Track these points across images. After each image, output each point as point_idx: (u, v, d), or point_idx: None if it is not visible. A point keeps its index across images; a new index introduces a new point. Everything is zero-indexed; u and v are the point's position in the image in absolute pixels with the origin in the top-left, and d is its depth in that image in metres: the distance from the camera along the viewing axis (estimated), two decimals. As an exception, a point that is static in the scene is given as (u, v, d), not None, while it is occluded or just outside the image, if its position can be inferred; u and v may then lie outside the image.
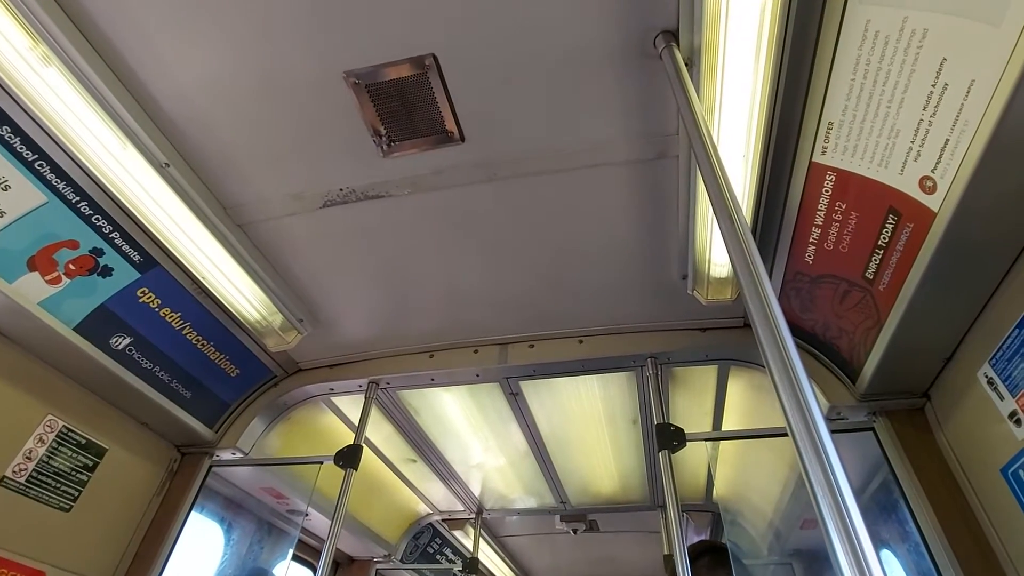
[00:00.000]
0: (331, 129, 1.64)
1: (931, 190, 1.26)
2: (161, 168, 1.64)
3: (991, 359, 1.46)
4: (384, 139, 1.63)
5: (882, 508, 1.95)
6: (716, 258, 1.82)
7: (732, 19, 1.26)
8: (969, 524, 1.61)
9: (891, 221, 1.41)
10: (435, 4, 1.34)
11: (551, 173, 1.74)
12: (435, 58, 1.44)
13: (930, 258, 1.32)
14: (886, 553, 1.97)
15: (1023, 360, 1.35)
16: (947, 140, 1.17)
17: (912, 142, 1.25)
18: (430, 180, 1.77)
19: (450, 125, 1.60)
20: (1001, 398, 1.44)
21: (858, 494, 0.62)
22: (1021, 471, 1.40)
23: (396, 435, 3.02)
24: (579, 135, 1.63)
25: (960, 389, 1.62)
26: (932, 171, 1.23)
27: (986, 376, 1.49)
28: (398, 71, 1.47)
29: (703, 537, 3.90)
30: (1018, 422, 1.39)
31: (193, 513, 2.39)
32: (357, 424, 2.52)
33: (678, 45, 1.31)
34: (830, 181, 1.51)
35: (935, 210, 1.26)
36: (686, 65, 1.30)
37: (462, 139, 1.63)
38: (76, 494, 1.99)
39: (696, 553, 1.84)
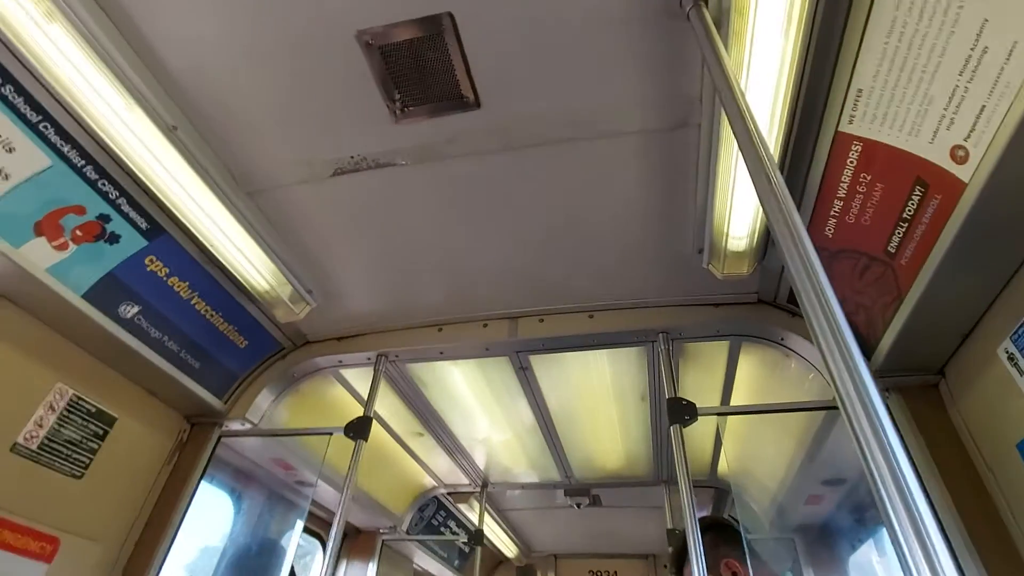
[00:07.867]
0: (342, 93, 1.59)
1: (962, 160, 1.22)
2: (169, 131, 1.60)
3: (1013, 335, 1.44)
4: (398, 104, 1.59)
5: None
6: (735, 231, 1.79)
7: (764, -22, 1.21)
8: (981, 497, 1.61)
9: (918, 192, 1.37)
10: (453, -40, 1.30)
11: (567, 142, 1.70)
12: (452, 17, 1.39)
13: (957, 231, 1.29)
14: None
15: (1047, 335, 1.33)
16: (983, 107, 1.13)
17: (946, 109, 1.21)
18: (443, 148, 1.73)
19: (465, 89, 1.55)
20: (1021, 373, 1.43)
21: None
22: (1039, 446, 1.40)
23: (403, 408, 3.02)
24: (599, 100, 1.58)
25: (978, 365, 1.60)
26: (965, 140, 1.20)
27: (1007, 352, 1.47)
28: (412, 30, 1.42)
29: (704, 513, 3.94)
30: (1038, 397, 1.38)
31: (203, 483, 2.40)
32: (366, 397, 2.52)
33: (706, 5, 1.26)
34: (855, 152, 1.47)
35: (965, 181, 1.23)
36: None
37: (477, 104, 1.59)
38: (87, 462, 1.99)
39: (700, 529, 1.85)
